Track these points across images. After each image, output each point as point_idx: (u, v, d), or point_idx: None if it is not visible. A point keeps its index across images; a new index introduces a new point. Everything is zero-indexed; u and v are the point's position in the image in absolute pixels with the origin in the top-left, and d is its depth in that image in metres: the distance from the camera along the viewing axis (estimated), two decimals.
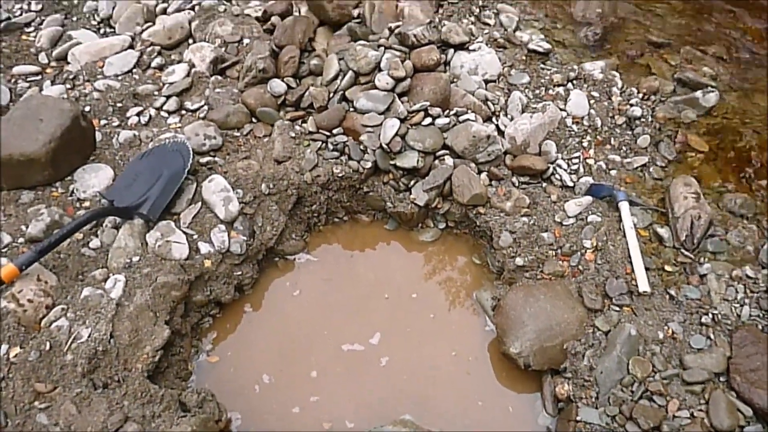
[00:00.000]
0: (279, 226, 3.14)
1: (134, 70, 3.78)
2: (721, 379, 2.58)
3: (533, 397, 2.77)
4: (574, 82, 3.76)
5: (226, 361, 2.85)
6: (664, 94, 3.82)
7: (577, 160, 3.38)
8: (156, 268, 2.74)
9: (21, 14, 4.27)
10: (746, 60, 4.16)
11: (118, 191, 2.97)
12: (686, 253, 2.98)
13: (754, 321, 2.75)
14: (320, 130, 3.38)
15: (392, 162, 3.27)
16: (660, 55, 4.18)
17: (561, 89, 3.69)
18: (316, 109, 3.48)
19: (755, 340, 2.65)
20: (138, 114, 3.50)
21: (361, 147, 3.32)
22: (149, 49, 3.90)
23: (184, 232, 2.91)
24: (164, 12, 4.19)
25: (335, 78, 3.51)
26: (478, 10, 4.33)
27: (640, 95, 3.75)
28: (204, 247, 2.90)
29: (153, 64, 3.82)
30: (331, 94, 3.48)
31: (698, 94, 3.76)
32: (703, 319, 2.75)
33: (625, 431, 2.47)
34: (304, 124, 3.45)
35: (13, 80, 3.72)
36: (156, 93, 3.61)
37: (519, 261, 3.01)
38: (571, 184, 3.29)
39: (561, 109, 3.56)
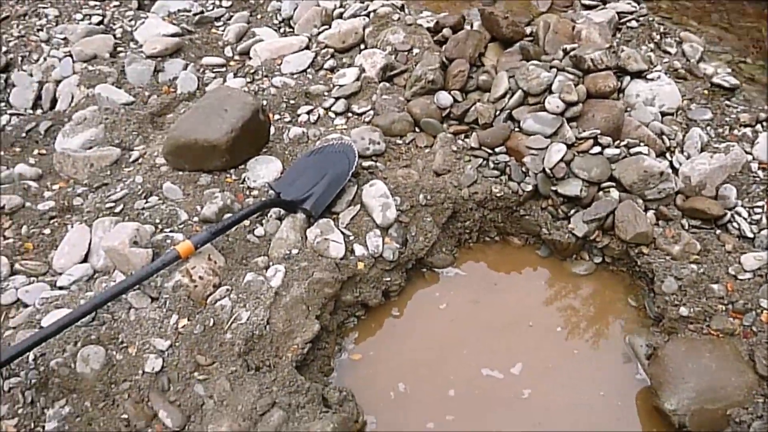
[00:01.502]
0: (432, 238, 3.14)
1: (308, 70, 3.96)
2: None
3: None
4: (764, 123, 3.45)
5: (367, 361, 2.89)
6: None
7: (760, 210, 3.09)
8: (313, 264, 2.84)
9: (213, 9, 4.62)
10: None
11: (285, 184, 3.11)
12: None
13: None
14: (482, 147, 3.35)
15: (553, 188, 3.17)
16: None
17: (748, 130, 3.41)
18: (481, 126, 3.45)
19: None
20: (308, 113, 3.65)
21: (523, 169, 3.24)
22: (324, 51, 4.06)
23: (342, 232, 2.99)
24: (341, 16, 4.36)
25: (503, 96, 3.47)
26: (658, 37, 4.11)
27: None
28: (359, 249, 2.96)
29: (326, 66, 3.98)
30: (498, 112, 3.44)
31: None
32: None
33: None
34: (466, 139, 3.44)
35: (201, 70, 4.03)
36: (326, 94, 3.75)
37: (683, 311, 2.79)
38: (750, 235, 3.01)
39: (746, 152, 3.28)
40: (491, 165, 3.30)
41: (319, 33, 4.22)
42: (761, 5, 4.62)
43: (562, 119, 3.28)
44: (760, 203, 3.11)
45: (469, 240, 3.37)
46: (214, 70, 4.04)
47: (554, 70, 3.44)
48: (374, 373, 2.85)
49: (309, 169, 3.16)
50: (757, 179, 3.20)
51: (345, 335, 3.00)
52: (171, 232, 2.94)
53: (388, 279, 3.04)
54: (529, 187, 3.20)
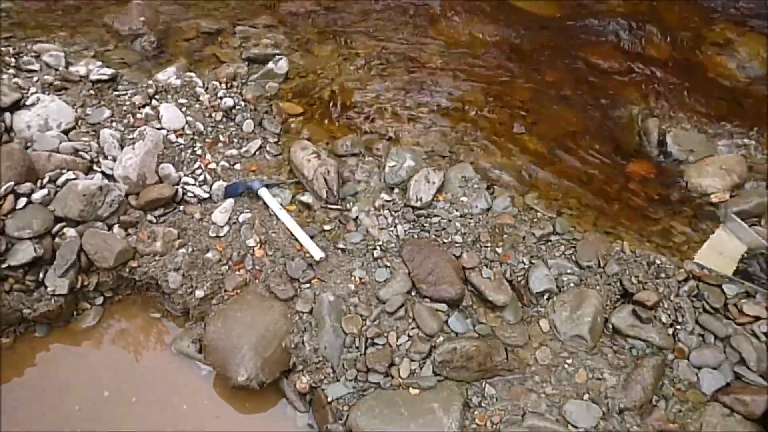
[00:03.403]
0: None
1: None
2: (413, 293, 2.90)
3: (281, 405, 2.72)
4: (157, 97, 3.60)
5: None
6: (243, 76, 3.94)
7: (200, 171, 3.29)
8: None
9: None
10: (292, 20, 4.51)
11: None
12: (333, 207, 3.20)
13: (409, 234, 3.12)
14: None
15: (5, 264, 2.72)
16: (220, 42, 4.27)
17: (148, 109, 3.50)
18: None
19: (418, 248, 3.02)
20: None
21: None
22: None
23: None
24: None
25: None
26: (14, 60, 3.77)
27: (224, 86, 3.79)
28: None
29: None
30: None
31: (270, 65, 3.98)
32: (375, 254, 3.02)
33: (372, 383, 2.62)
34: None
35: None
36: None
37: (199, 293, 2.85)
38: (206, 195, 3.20)
39: (159, 129, 3.39)
40: None
41: None
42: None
43: None
44: (196, 165, 3.30)
45: None
46: None
47: None
48: None
49: None
50: (181, 146, 3.35)
51: None
52: None
53: None
54: None
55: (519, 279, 3.00)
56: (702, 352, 2.78)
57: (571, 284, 3.00)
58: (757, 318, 2.86)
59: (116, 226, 3.01)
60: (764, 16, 4.89)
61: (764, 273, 3.04)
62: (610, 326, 2.87)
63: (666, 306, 2.91)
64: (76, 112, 3.44)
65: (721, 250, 3.18)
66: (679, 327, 2.86)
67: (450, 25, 4.57)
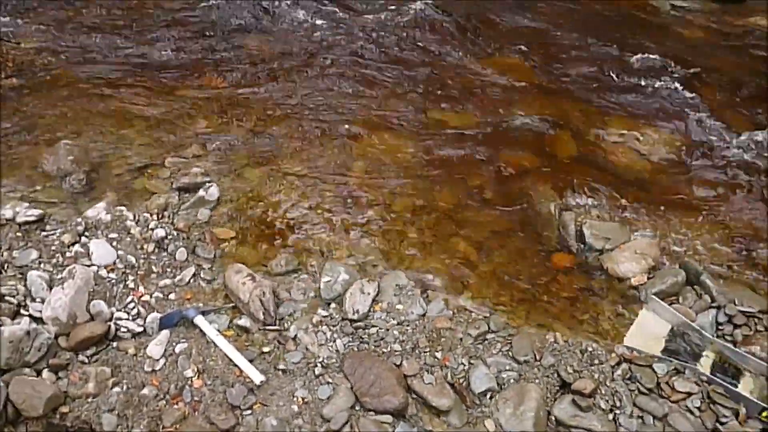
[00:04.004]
0: None
1: None
2: (357, 408, 2.88)
3: None
4: (87, 234, 3.60)
5: None
6: (174, 206, 4.00)
7: (132, 304, 3.25)
8: None
9: None
10: (221, 148, 4.65)
11: None
12: (271, 327, 3.21)
13: (349, 347, 3.14)
14: None
15: None
16: (150, 174, 4.35)
17: (78, 246, 3.49)
18: None
19: (359, 361, 3.03)
20: None
21: None
22: None
23: None
24: None
25: None
26: None
27: (155, 217, 3.83)
28: None
29: None
30: None
31: (201, 192, 4.05)
32: (316, 372, 3.01)
33: None
34: None
35: None
36: None
37: None
38: (140, 329, 3.15)
39: (89, 266, 3.37)
40: None
41: None
42: None
43: None
44: (129, 299, 3.27)
45: None
46: None
47: None
48: None
49: None
50: (113, 281, 3.32)
51: None
52: None
53: None
54: None
55: (460, 381, 3.04)
56: None
57: (512, 380, 3.05)
58: (689, 394, 2.98)
59: (45, 370, 2.91)
60: (649, 109, 5.44)
61: (689, 348, 3.19)
62: (553, 418, 2.91)
63: (603, 392, 3.00)
64: (2, 256, 3.39)
65: (647, 331, 3.34)
66: (618, 411, 2.94)
67: (374, 140, 4.82)
